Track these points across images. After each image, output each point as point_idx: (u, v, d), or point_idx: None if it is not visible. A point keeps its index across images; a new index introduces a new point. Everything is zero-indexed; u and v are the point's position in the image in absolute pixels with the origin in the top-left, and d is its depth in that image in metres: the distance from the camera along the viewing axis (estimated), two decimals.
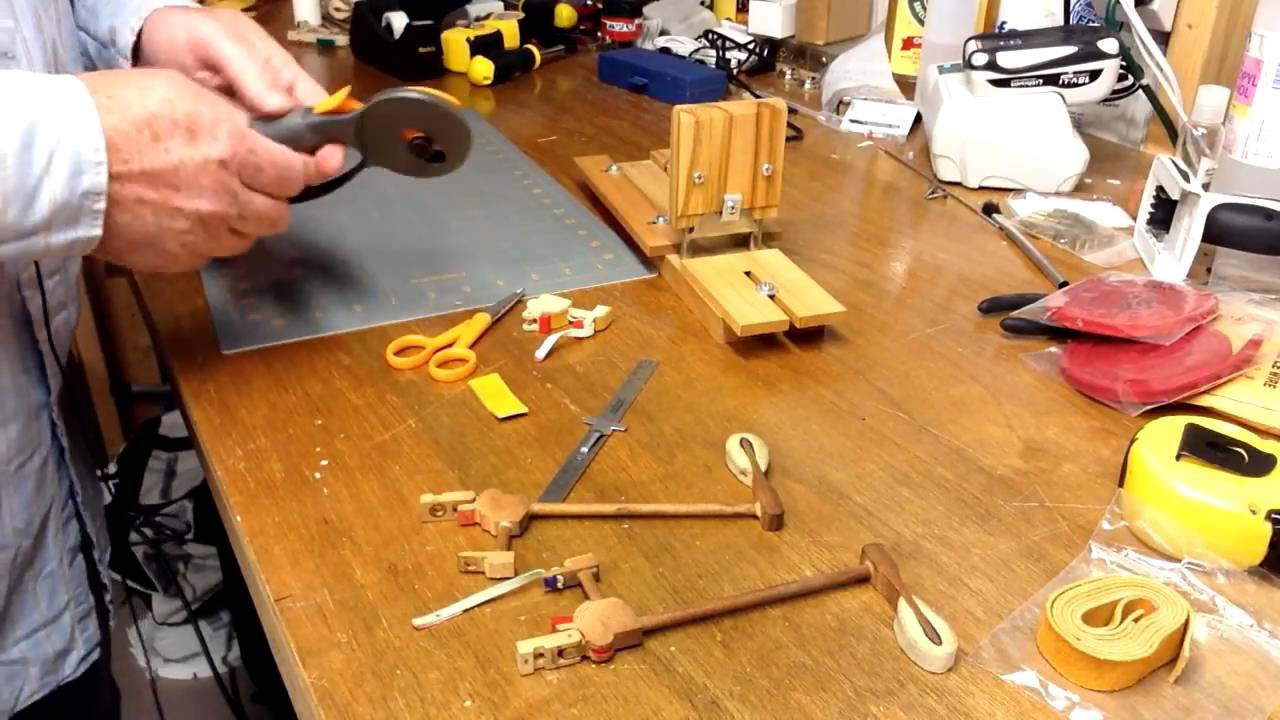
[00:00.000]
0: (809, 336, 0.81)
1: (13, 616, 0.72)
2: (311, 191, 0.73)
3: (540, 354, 0.77)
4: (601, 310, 0.82)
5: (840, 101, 1.31)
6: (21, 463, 0.70)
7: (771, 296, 0.81)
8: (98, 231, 0.58)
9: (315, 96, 0.74)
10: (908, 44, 1.40)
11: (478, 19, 1.51)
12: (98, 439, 1.85)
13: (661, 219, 0.92)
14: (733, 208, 0.85)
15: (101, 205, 0.58)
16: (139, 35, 0.77)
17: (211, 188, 0.61)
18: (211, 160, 0.61)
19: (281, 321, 0.81)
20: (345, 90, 0.72)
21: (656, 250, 0.89)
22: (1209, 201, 0.83)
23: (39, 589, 0.74)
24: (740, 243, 0.89)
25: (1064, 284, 0.87)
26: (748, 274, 0.84)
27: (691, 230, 0.86)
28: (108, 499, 1.73)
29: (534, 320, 0.81)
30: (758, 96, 1.35)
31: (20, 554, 0.72)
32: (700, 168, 0.82)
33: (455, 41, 1.44)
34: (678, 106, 0.81)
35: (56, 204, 0.56)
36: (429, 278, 0.89)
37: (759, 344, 0.80)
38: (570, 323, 0.81)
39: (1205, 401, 0.70)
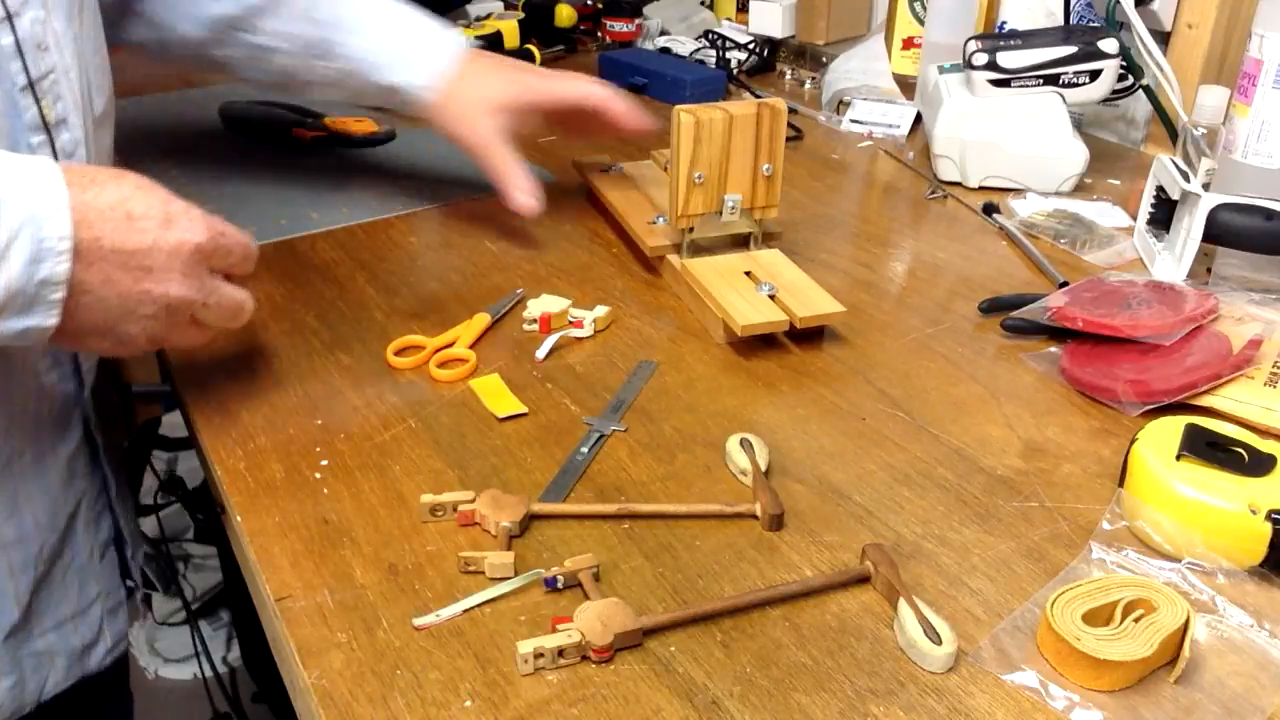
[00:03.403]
0: (809, 336, 0.81)
1: (40, 609, 0.72)
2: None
3: (540, 354, 0.77)
4: (601, 310, 0.82)
5: (840, 101, 1.31)
6: (44, 456, 0.70)
7: (772, 296, 0.80)
8: (54, 320, 0.55)
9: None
10: (908, 44, 1.40)
11: (478, 19, 1.51)
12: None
13: (661, 219, 0.92)
14: (733, 208, 0.85)
15: (59, 295, 0.55)
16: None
17: (183, 271, 0.59)
18: (187, 244, 0.59)
19: (254, 228, 0.91)
20: None
21: (656, 250, 0.89)
22: (1209, 201, 0.83)
23: (68, 581, 0.74)
24: (740, 243, 0.88)
25: (1064, 284, 0.87)
26: (748, 274, 0.84)
27: (691, 230, 0.86)
28: None
29: (534, 320, 0.81)
30: (758, 96, 1.35)
31: (47, 548, 0.71)
32: (700, 168, 0.82)
33: None
34: (678, 106, 0.81)
35: (11, 290, 0.53)
36: (367, 192, 1.05)
37: (759, 344, 0.80)
38: (570, 323, 0.81)
39: (1205, 401, 0.70)
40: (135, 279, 0.57)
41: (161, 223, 0.58)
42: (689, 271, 0.85)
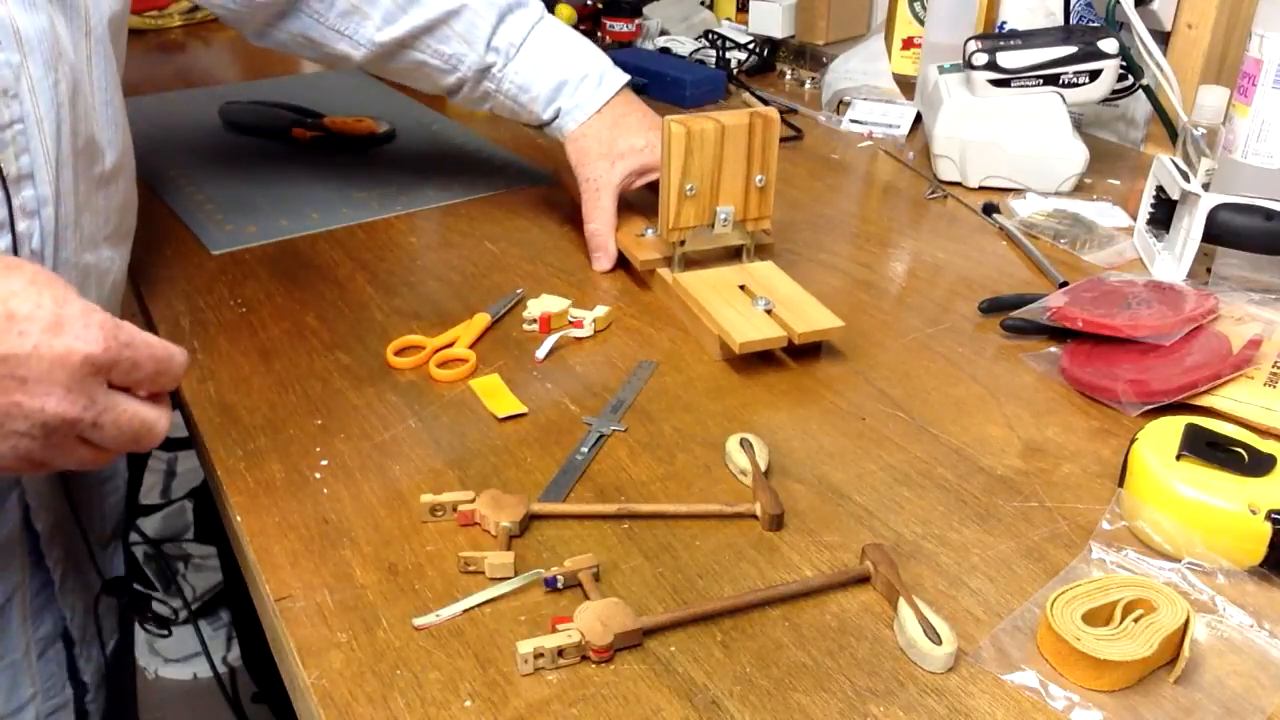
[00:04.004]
0: (807, 352, 0.79)
1: None
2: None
3: (540, 354, 0.77)
4: (601, 310, 0.82)
5: (840, 101, 1.31)
6: None
7: (768, 311, 0.79)
8: None
9: None
10: (908, 44, 1.40)
11: None
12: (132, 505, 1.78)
13: (650, 231, 0.90)
14: (725, 220, 0.83)
15: None
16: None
17: (67, 385, 0.50)
18: (76, 353, 0.50)
19: (255, 228, 0.98)
20: None
21: (647, 264, 0.86)
22: (1209, 201, 0.83)
23: None
24: (732, 254, 0.87)
25: (1064, 284, 0.87)
26: (742, 288, 0.82)
27: (683, 243, 0.84)
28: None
29: (534, 320, 0.81)
30: (758, 96, 1.35)
31: None
32: (692, 179, 0.81)
33: None
34: (668, 117, 0.80)
35: None
36: (367, 193, 1.07)
37: (756, 354, 0.79)
38: (570, 323, 0.81)
39: (1205, 401, 0.70)
40: (4, 389, 0.49)
41: (49, 327, 0.49)
42: (681, 286, 0.83)
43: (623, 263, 0.91)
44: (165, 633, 1.64)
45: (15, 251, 0.62)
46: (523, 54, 0.92)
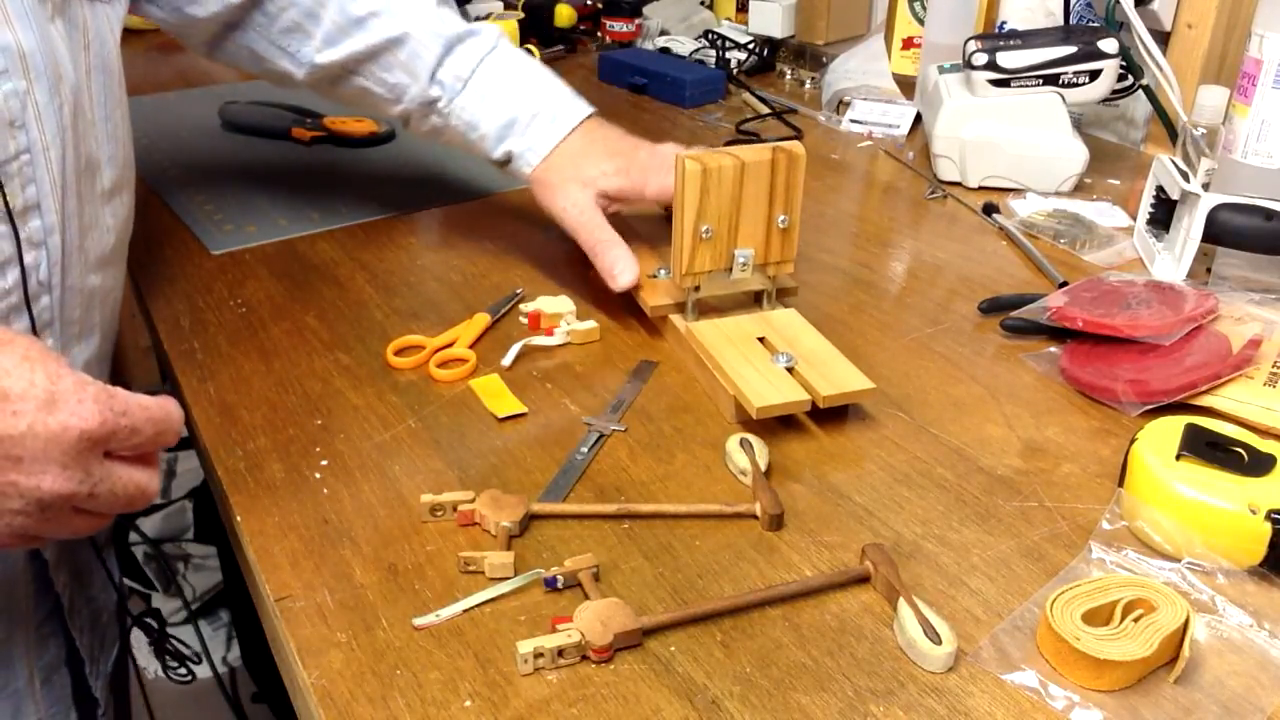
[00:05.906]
0: (832, 415, 0.71)
1: None
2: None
3: (506, 362, 0.76)
4: (581, 325, 0.80)
5: (840, 101, 1.31)
6: None
7: (790, 369, 0.72)
8: None
9: None
10: (908, 44, 1.40)
11: (477, 19, 1.51)
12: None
13: (664, 272, 0.83)
14: (744, 264, 0.76)
15: None
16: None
17: (63, 462, 0.49)
18: (72, 430, 0.49)
19: (255, 228, 0.98)
20: None
21: (658, 310, 0.80)
22: (1209, 201, 0.83)
23: None
24: (753, 298, 0.80)
25: (1064, 284, 0.87)
26: (761, 340, 0.75)
27: (697, 289, 0.78)
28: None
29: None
30: (757, 96, 1.35)
31: None
32: (708, 220, 0.73)
33: None
34: (682, 153, 0.72)
35: None
36: (367, 193, 1.06)
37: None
38: (542, 330, 0.80)
39: (1205, 401, 0.70)
40: (0, 469, 0.48)
41: (43, 404, 0.48)
42: (695, 338, 0.76)
43: (633, 305, 0.84)
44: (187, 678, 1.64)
45: (24, 284, 0.61)
46: (470, 88, 0.85)
